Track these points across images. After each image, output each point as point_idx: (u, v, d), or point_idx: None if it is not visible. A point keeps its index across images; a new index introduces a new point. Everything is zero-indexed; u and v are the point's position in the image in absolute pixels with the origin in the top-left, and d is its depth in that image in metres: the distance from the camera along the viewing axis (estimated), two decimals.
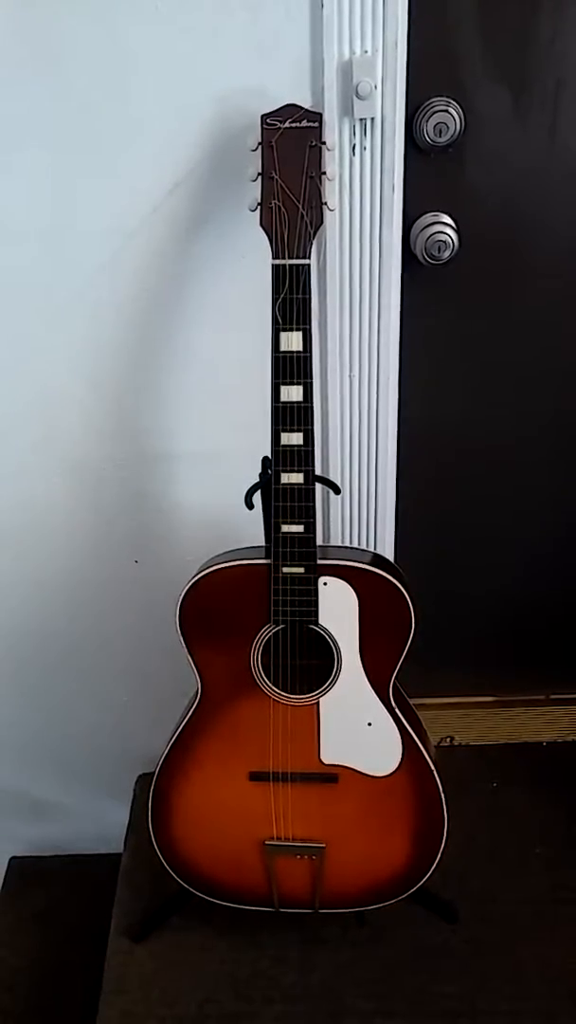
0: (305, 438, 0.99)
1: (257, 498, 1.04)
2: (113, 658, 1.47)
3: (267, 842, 1.16)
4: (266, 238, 0.95)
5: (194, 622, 1.07)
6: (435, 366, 1.31)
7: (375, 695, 1.08)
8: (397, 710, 1.09)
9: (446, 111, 1.11)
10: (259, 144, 0.93)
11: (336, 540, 1.34)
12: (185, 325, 1.21)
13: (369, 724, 1.10)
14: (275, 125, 0.92)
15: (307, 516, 1.01)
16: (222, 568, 1.05)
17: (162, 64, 1.06)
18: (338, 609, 1.04)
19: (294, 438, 0.99)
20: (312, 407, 0.98)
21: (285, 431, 0.99)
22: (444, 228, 1.17)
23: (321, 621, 1.05)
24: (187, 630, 1.07)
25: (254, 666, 1.07)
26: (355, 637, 1.05)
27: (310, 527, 1.01)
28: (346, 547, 1.33)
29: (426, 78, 1.10)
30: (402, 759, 1.11)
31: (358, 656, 1.06)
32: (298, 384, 0.97)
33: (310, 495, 1.00)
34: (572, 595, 1.51)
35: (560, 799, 1.46)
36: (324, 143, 0.93)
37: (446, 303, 1.27)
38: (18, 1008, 1.44)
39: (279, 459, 1.00)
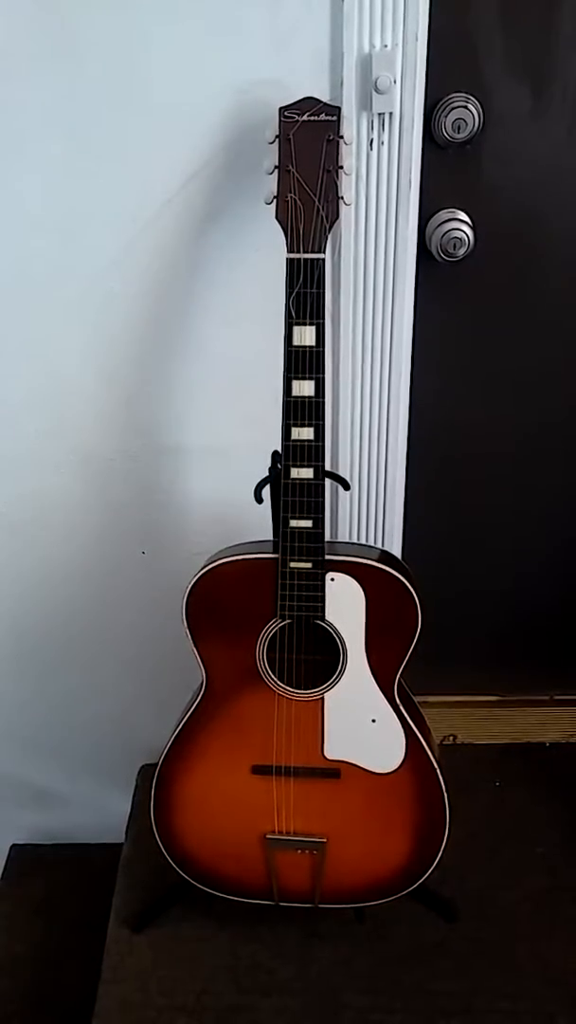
0: (316, 433, 0.98)
1: (266, 492, 1.04)
2: (118, 649, 1.47)
3: (268, 836, 1.16)
4: (281, 232, 0.95)
5: (200, 615, 1.07)
6: (448, 363, 1.30)
7: (380, 692, 1.08)
8: (402, 707, 1.09)
9: (465, 107, 1.11)
10: (276, 137, 0.93)
11: (344, 536, 1.34)
12: (197, 317, 1.21)
13: (373, 721, 1.10)
14: (293, 118, 0.92)
15: (316, 511, 1.01)
16: (229, 561, 1.05)
17: (180, 55, 1.06)
18: (345, 605, 1.04)
19: (305, 433, 0.99)
20: (324, 402, 0.98)
21: (296, 426, 0.98)
22: (460, 225, 1.17)
23: (327, 617, 1.05)
24: (193, 623, 1.07)
25: (259, 660, 1.07)
26: (361, 634, 1.05)
27: (319, 522, 1.01)
28: (354, 543, 1.33)
29: (445, 73, 1.10)
30: (405, 756, 1.11)
31: (364, 653, 1.06)
32: (310, 379, 0.97)
33: (319, 490, 1.00)
34: None
35: (562, 800, 1.46)
36: (342, 137, 0.92)
37: (461, 301, 1.26)
38: (16, 995, 1.45)
39: (289, 454, 0.99)
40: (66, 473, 1.31)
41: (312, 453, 0.99)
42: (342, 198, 0.94)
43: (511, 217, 1.20)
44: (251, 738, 1.12)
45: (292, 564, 1.02)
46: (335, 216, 0.94)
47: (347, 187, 0.95)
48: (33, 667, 1.49)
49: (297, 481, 1.00)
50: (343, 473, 1.28)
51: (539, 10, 1.09)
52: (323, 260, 0.94)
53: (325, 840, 1.16)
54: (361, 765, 1.12)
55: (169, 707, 1.19)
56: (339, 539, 1.34)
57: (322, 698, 1.09)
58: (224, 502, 1.29)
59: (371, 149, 1.09)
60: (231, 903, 1.23)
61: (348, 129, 0.96)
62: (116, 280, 1.18)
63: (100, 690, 1.51)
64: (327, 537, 1.02)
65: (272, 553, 1.04)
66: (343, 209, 0.94)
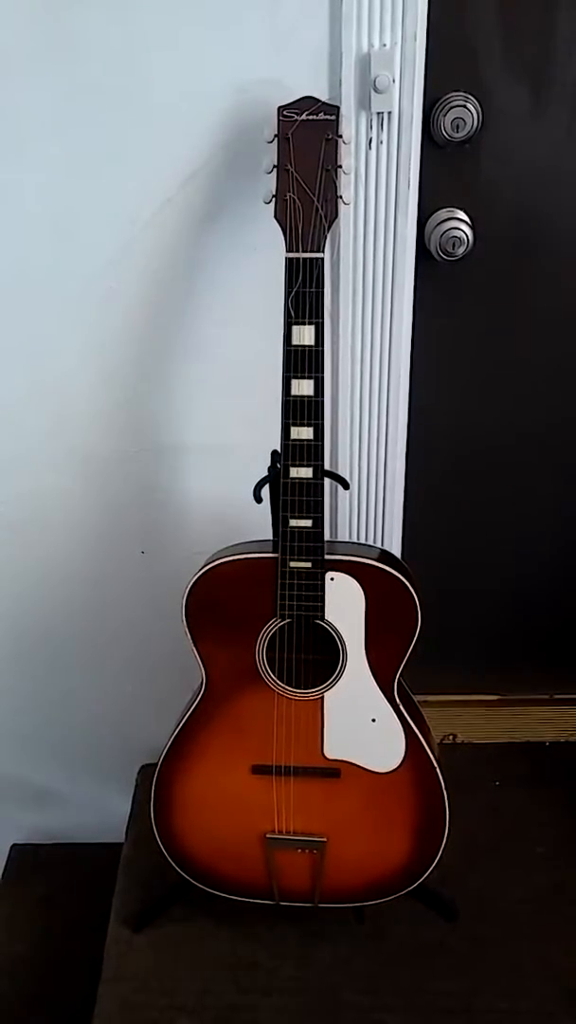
0: (315, 433, 0.98)
1: (265, 492, 1.04)
2: (118, 649, 1.47)
3: (268, 835, 1.16)
4: (280, 231, 0.95)
5: (200, 615, 1.07)
6: (447, 363, 1.30)
7: (380, 691, 1.08)
8: (401, 707, 1.09)
9: (464, 106, 1.11)
10: (275, 136, 0.93)
11: (344, 535, 1.34)
12: (196, 317, 1.21)
13: (373, 720, 1.10)
14: (292, 117, 0.92)
15: (315, 511, 1.01)
16: (229, 561, 1.05)
17: (178, 54, 1.06)
18: (344, 605, 1.04)
19: (304, 432, 0.99)
20: (323, 402, 0.98)
21: (295, 425, 0.98)
22: (459, 224, 1.17)
23: (327, 616, 1.05)
24: (193, 623, 1.07)
25: (259, 660, 1.07)
26: (361, 633, 1.05)
27: (318, 522, 1.01)
28: (353, 543, 1.33)
29: (444, 73, 1.10)
30: (405, 756, 1.11)
31: (363, 652, 1.06)
32: (309, 378, 0.97)
33: (319, 490, 1.00)
34: None
35: (562, 799, 1.46)
36: (340, 136, 0.92)
37: (460, 300, 1.26)
38: (17, 995, 1.45)
39: (288, 453, 0.99)
40: (65, 473, 1.31)
41: (311, 452, 0.99)
42: (341, 197, 0.94)
43: (510, 216, 1.20)
44: (251, 738, 1.12)
45: (292, 563, 1.02)
46: (334, 215, 0.94)
47: (346, 186, 0.95)
48: (33, 667, 1.49)
49: (296, 480, 1.00)
50: (342, 472, 1.28)
51: (538, 9, 1.09)
52: (322, 259, 0.94)
53: (325, 839, 1.16)
54: (361, 764, 1.12)
55: (169, 707, 1.19)
56: (339, 538, 1.34)
57: (322, 697, 1.09)
58: (223, 501, 1.29)
59: (370, 148, 1.09)
60: (231, 903, 1.23)
61: (347, 128, 0.96)
62: (115, 279, 1.18)
63: (100, 690, 1.51)
64: (326, 536, 1.02)
65: (272, 553, 1.04)
66: (342, 208, 0.95)
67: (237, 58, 1.06)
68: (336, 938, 1.25)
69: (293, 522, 1.01)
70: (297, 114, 0.92)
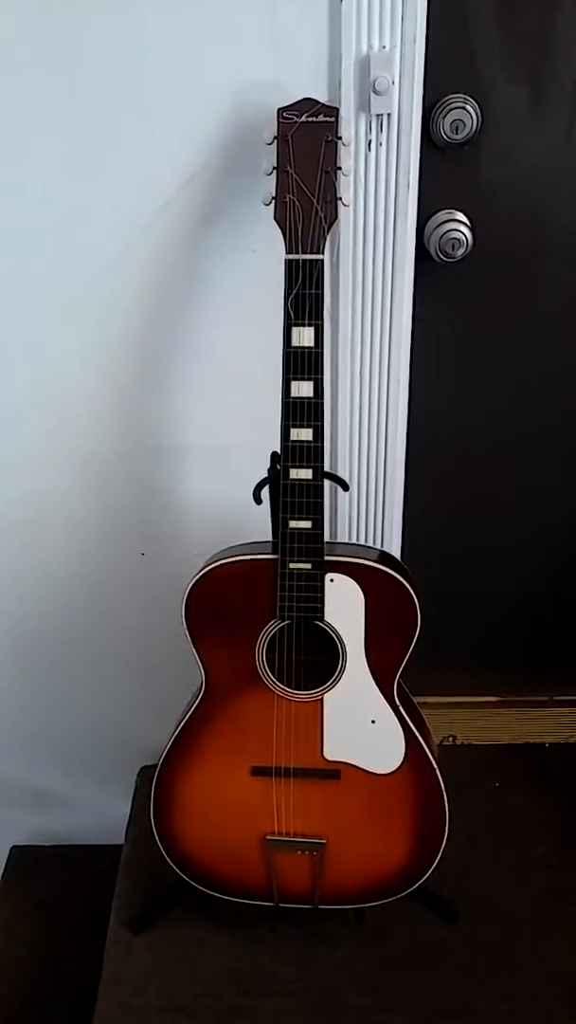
0: (315, 434, 0.98)
1: (265, 493, 1.04)
2: (118, 650, 1.47)
3: (268, 837, 1.16)
4: (279, 233, 0.95)
5: (200, 616, 1.07)
6: (446, 364, 1.30)
7: (379, 693, 1.08)
8: (401, 708, 1.09)
9: (463, 108, 1.11)
10: (275, 138, 0.93)
11: (343, 537, 1.34)
12: (196, 319, 1.21)
13: (373, 722, 1.10)
14: (291, 119, 0.92)
15: (315, 512, 1.01)
16: (229, 563, 1.05)
17: (178, 56, 1.06)
18: (344, 606, 1.04)
19: (303, 434, 0.99)
20: (322, 403, 0.98)
21: (295, 427, 0.98)
22: (459, 226, 1.17)
23: (327, 618, 1.05)
24: (192, 624, 1.07)
25: (259, 661, 1.07)
26: (360, 634, 1.05)
27: (318, 523, 1.01)
28: (353, 544, 1.33)
29: (444, 75, 1.10)
30: (405, 757, 1.11)
31: (363, 653, 1.06)
32: (309, 380, 0.97)
33: (318, 491, 1.00)
34: None
35: (562, 801, 1.46)
36: (340, 138, 0.92)
37: (459, 301, 1.26)
38: (16, 997, 1.45)
39: (288, 455, 0.99)
40: (66, 474, 1.31)
41: (311, 454, 0.99)
42: (340, 199, 0.94)
43: (509, 218, 1.20)
44: (250, 739, 1.12)
45: (291, 565, 1.02)
46: (333, 217, 0.94)
47: (345, 188, 0.95)
48: (33, 669, 1.49)
49: (296, 482, 1.00)
50: (342, 474, 1.28)
51: (537, 11, 1.09)
52: (322, 261, 0.94)
53: (325, 841, 1.16)
54: (361, 766, 1.12)
55: (169, 708, 1.19)
56: (338, 540, 1.34)
57: (321, 699, 1.09)
58: (223, 503, 1.29)
59: (369, 150, 1.09)
60: (231, 905, 1.23)
61: (346, 130, 0.96)
62: (115, 282, 1.18)
63: (100, 691, 1.51)
64: (326, 538, 1.02)
65: (271, 554, 1.04)
66: (341, 210, 0.95)
67: (237, 60, 1.06)
68: (336, 940, 1.25)
69: (293, 523, 1.01)
70: (297, 116, 0.92)
